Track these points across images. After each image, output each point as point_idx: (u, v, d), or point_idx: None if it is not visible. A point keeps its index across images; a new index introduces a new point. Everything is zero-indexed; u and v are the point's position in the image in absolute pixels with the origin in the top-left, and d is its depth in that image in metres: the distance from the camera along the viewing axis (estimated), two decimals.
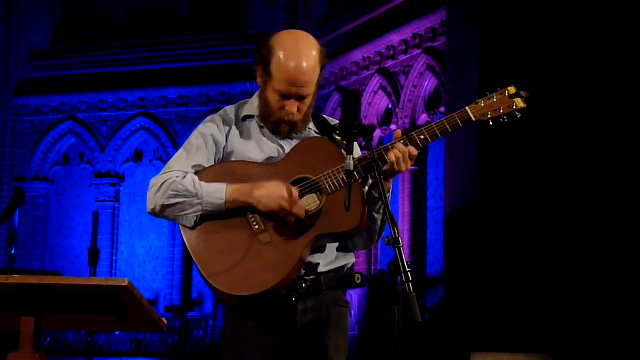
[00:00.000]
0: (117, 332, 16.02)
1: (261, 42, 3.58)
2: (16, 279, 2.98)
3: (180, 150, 3.58)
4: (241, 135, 3.60)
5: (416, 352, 10.10)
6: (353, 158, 3.29)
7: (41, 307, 3.04)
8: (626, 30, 10.72)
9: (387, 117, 14.68)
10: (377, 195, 3.44)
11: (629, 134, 10.83)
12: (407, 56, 14.07)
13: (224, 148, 3.58)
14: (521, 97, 3.43)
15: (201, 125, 3.62)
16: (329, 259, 3.54)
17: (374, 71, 14.64)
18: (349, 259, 3.61)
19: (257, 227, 3.45)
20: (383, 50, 14.49)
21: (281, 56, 3.49)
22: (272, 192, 3.39)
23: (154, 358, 15.97)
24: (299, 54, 3.49)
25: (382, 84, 14.52)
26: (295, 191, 3.39)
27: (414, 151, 3.40)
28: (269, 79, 3.52)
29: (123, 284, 2.94)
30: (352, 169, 3.26)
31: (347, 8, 15.45)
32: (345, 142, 3.34)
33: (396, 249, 3.07)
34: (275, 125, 3.56)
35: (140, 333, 16.01)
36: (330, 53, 12.55)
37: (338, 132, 3.38)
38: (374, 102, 14.70)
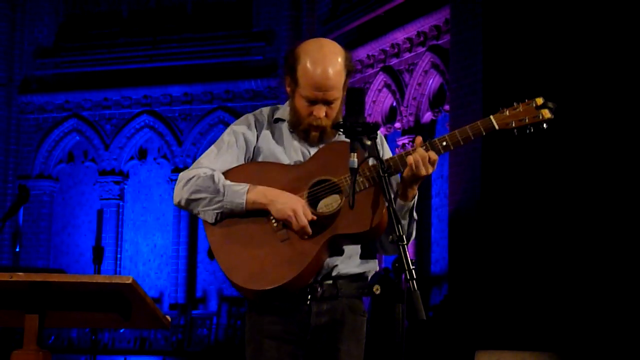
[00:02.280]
0: (121, 330, 16.03)
1: (288, 51, 3.68)
2: (20, 276, 2.98)
3: (212, 147, 3.69)
4: (272, 136, 3.68)
5: (420, 350, 10.10)
6: (358, 157, 3.29)
7: (45, 305, 3.04)
8: (630, 27, 10.71)
9: (391, 115, 14.67)
10: (402, 202, 3.47)
11: (633, 132, 10.82)
12: (412, 54, 14.07)
13: (254, 147, 3.66)
14: (549, 108, 3.40)
15: (235, 124, 3.74)
16: (348, 265, 3.57)
17: (378, 69, 14.64)
18: (370, 267, 3.63)
19: (275, 224, 3.51)
20: (387, 48, 14.49)
21: (307, 63, 3.56)
22: (284, 202, 3.45)
23: (159, 356, 15.98)
24: (324, 59, 3.57)
25: (387, 82, 14.52)
26: (307, 210, 3.43)
27: (434, 155, 3.41)
28: (296, 86, 3.60)
29: (127, 282, 2.95)
30: (356, 166, 3.26)
31: (352, 6, 15.45)
32: (353, 140, 3.35)
33: (400, 246, 3.08)
34: (305, 132, 3.62)
35: (144, 331, 16.01)
36: None
37: (342, 130, 3.39)
38: (378, 100, 14.70)
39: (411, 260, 3.06)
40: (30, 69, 18.98)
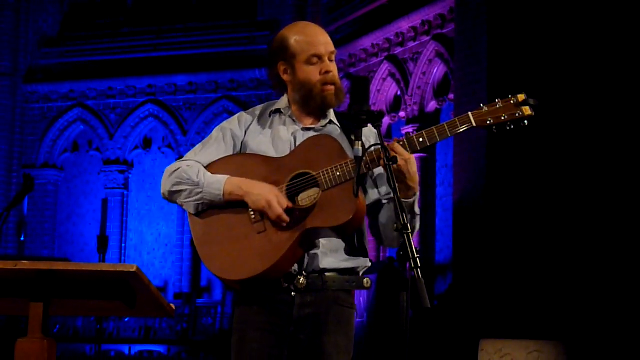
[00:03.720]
0: (126, 319, 16.07)
1: (271, 43, 3.72)
2: (25, 264, 2.99)
3: (200, 143, 3.74)
4: (262, 129, 3.68)
5: (425, 339, 10.12)
6: (362, 146, 3.29)
7: (50, 293, 3.04)
8: (634, 25, 10.71)
9: (396, 104, 14.67)
10: (405, 200, 3.44)
11: (635, 127, 10.82)
12: (416, 43, 14.06)
13: (242, 142, 3.67)
14: (530, 105, 3.38)
15: (225, 121, 3.77)
16: (336, 259, 3.55)
17: (382, 58, 14.63)
18: (360, 262, 3.60)
19: (254, 217, 3.52)
20: (392, 37, 14.48)
21: (298, 33, 3.64)
22: (260, 193, 3.47)
23: (163, 345, 16.01)
24: (310, 24, 3.71)
25: (391, 71, 14.52)
26: (283, 198, 3.45)
27: (407, 156, 3.40)
28: (294, 59, 3.61)
29: (131, 270, 2.95)
30: (360, 154, 3.27)
31: None
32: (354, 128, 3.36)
33: (405, 235, 3.07)
34: (323, 97, 3.61)
35: (149, 320, 16.05)
36: (339, 40, 12.65)
37: (348, 117, 3.40)
38: (383, 89, 14.70)
39: (415, 249, 3.06)
40: (34, 58, 18.99)
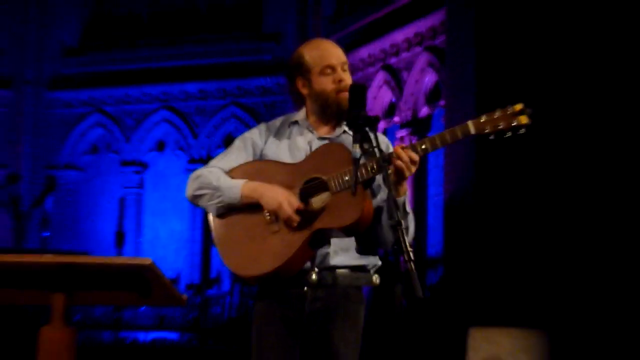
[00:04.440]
0: (141, 308, 16.07)
1: (289, 61, 3.76)
2: (48, 258, 2.99)
3: (224, 150, 3.79)
4: (279, 139, 3.71)
5: (418, 327, 10.12)
6: (361, 148, 3.30)
7: (71, 285, 3.05)
8: (621, 28, 10.70)
9: (390, 110, 14.67)
10: (397, 198, 3.43)
11: (621, 126, 10.81)
12: (410, 53, 14.07)
13: (261, 150, 3.71)
14: (526, 114, 3.37)
15: (248, 131, 3.82)
16: (347, 257, 3.56)
17: (378, 67, 14.64)
18: (371, 260, 3.61)
19: (268, 218, 3.54)
20: (387, 48, 14.48)
21: (313, 49, 3.71)
22: (273, 195, 3.49)
23: (176, 332, 16.02)
24: (324, 40, 3.80)
25: (386, 79, 14.52)
26: (294, 199, 3.47)
27: (415, 157, 3.38)
28: (310, 73, 3.66)
29: (146, 263, 2.96)
30: (358, 157, 3.27)
31: (354, 9, 15.45)
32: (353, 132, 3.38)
33: (399, 230, 3.07)
34: (338, 103, 3.63)
35: (163, 309, 16.06)
36: None
37: (346, 122, 3.41)
38: (379, 96, 14.70)
39: (409, 243, 3.06)
40: (57, 67, 19.02)
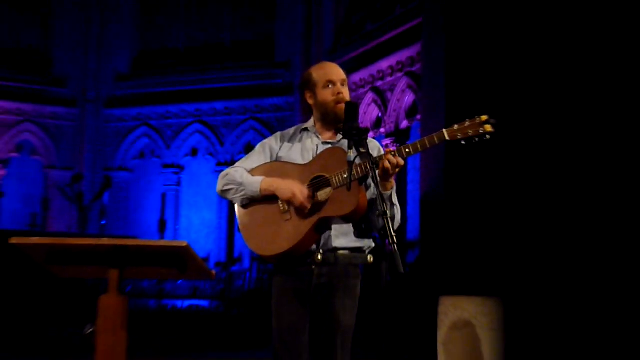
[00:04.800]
0: (179, 281, 16.07)
1: (301, 79, 3.76)
2: (105, 241, 3.00)
3: (247, 154, 3.77)
4: (292, 143, 3.70)
5: (399, 297, 10.11)
6: (356, 152, 3.30)
7: (123, 262, 3.05)
8: (571, 52, 10.68)
9: (377, 123, 14.66)
10: (382, 192, 3.39)
11: (584, 118, 10.78)
12: (393, 78, 14.07)
13: (277, 154, 3.70)
14: (491, 123, 3.35)
15: (267, 138, 3.81)
16: (346, 240, 3.54)
17: (368, 89, 14.64)
18: (366, 243, 3.59)
19: (282, 208, 3.52)
20: (375, 74, 14.48)
21: (318, 69, 3.71)
22: (287, 187, 3.48)
23: (206, 300, 16.02)
24: (328, 63, 3.77)
25: (374, 99, 14.51)
26: (305, 189, 3.47)
27: (401, 162, 3.37)
28: (315, 87, 3.65)
29: (183, 245, 2.96)
30: (352, 160, 3.27)
31: (348, 42, 15.46)
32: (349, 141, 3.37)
33: (385, 219, 3.07)
34: (335, 112, 3.62)
35: (196, 281, 16.05)
36: None
37: (342, 132, 3.40)
38: (368, 111, 14.69)
39: (393, 229, 3.06)
40: (112, 90, 19.05)
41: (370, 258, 3.59)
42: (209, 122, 18.18)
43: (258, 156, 3.71)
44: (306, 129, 3.73)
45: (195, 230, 17.70)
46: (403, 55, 13.73)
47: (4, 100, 18.53)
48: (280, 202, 3.53)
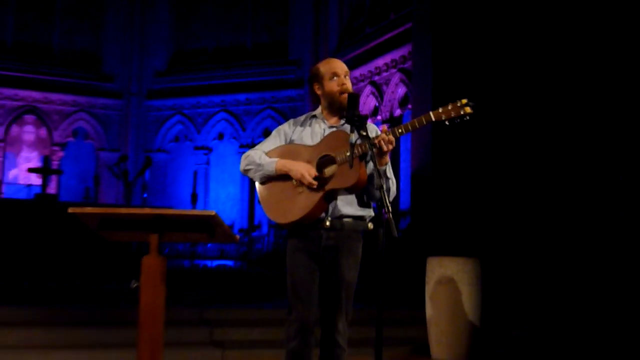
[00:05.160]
0: (208, 245, 16.13)
1: (310, 72, 3.70)
2: (147, 210, 2.99)
3: (266, 138, 3.73)
4: (303, 127, 3.67)
5: (394, 258, 10.13)
6: (358, 135, 3.28)
7: (162, 228, 3.05)
8: (544, 52, 10.63)
9: (375, 111, 14.63)
10: (378, 167, 3.38)
11: (556, 101, 10.73)
12: (388, 73, 14.02)
13: (290, 138, 3.67)
14: (470, 106, 3.34)
15: (282, 124, 3.78)
16: (351, 209, 3.52)
17: (366, 82, 14.59)
18: (367, 212, 3.57)
19: (295, 183, 3.50)
20: (372, 70, 14.43)
21: (325, 63, 3.67)
22: (297, 169, 3.46)
23: (232, 260, 16.09)
24: (332, 58, 3.74)
25: (372, 91, 14.47)
26: (312, 170, 3.45)
27: (392, 138, 3.35)
28: (322, 79, 3.62)
29: (212, 214, 2.95)
30: (353, 141, 3.26)
31: (351, 43, 15.41)
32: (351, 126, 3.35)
33: (381, 191, 3.06)
34: (340, 100, 3.59)
35: (223, 245, 16.12)
36: None
37: (345, 118, 3.38)
38: (367, 102, 14.66)
39: (389, 200, 3.05)
40: (151, 84, 19.07)
41: (370, 225, 3.58)
42: (233, 111, 18.18)
43: (274, 140, 3.69)
44: (314, 116, 3.70)
45: (222, 202, 17.74)
46: (397, 54, 13.68)
47: (63, 93, 18.60)
48: (293, 179, 3.52)
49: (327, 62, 3.70)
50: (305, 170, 3.44)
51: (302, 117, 3.75)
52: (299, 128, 3.69)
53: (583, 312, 8.99)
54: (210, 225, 3.06)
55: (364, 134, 3.26)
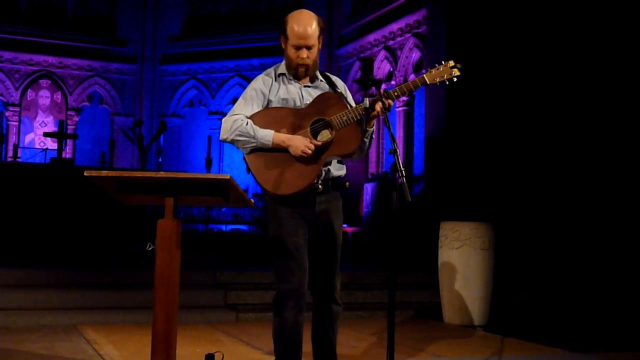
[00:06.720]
0: (223, 209, 16.20)
1: (280, 20, 3.49)
2: (162, 174, 3.00)
3: (241, 99, 3.51)
4: (279, 87, 3.50)
5: (407, 222, 10.14)
6: (368, 100, 3.24)
7: (177, 192, 3.05)
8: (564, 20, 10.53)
9: (389, 76, 14.54)
10: (368, 128, 3.34)
11: (563, 75, 10.66)
12: (402, 38, 13.92)
13: (267, 97, 3.48)
14: (457, 67, 3.32)
15: (253, 81, 3.56)
16: (334, 170, 3.47)
17: (381, 47, 14.48)
18: (344, 171, 3.54)
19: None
20: (387, 35, 14.32)
21: (292, 24, 3.42)
22: (296, 144, 3.32)
23: (246, 225, 16.15)
24: (303, 21, 3.43)
25: (387, 56, 14.37)
26: (311, 145, 3.31)
27: (391, 102, 3.31)
28: (287, 41, 3.43)
29: (226, 178, 2.95)
30: (368, 106, 3.22)
31: (364, 8, 15.28)
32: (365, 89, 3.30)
33: (395, 156, 3.04)
34: (295, 70, 3.45)
35: (237, 209, 16.18)
36: (353, 37, 12.40)
37: (359, 83, 3.34)
38: (381, 67, 14.56)
39: (402, 164, 3.03)
40: (166, 49, 19.02)
41: (347, 184, 3.54)
42: (247, 75, 18.13)
43: (253, 102, 3.47)
44: (283, 74, 3.53)
45: (236, 167, 17.78)
46: (411, 18, 13.56)
47: (77, 58, 18.59)
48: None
49: (296, 20, 3.44)
50: (305, 146, 3.32)
51: (271, 73, 3.56)
52: (274, 86, 3.51)
53: (593, 277, 9.00)
54: (224, 188, 3.05)
55: (376, 97, 3.23)
